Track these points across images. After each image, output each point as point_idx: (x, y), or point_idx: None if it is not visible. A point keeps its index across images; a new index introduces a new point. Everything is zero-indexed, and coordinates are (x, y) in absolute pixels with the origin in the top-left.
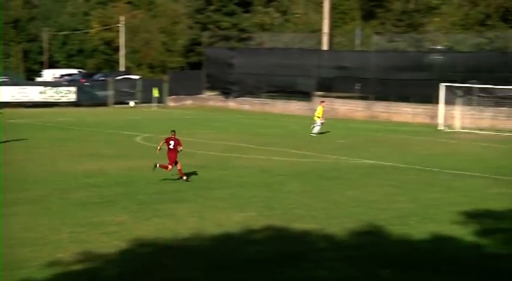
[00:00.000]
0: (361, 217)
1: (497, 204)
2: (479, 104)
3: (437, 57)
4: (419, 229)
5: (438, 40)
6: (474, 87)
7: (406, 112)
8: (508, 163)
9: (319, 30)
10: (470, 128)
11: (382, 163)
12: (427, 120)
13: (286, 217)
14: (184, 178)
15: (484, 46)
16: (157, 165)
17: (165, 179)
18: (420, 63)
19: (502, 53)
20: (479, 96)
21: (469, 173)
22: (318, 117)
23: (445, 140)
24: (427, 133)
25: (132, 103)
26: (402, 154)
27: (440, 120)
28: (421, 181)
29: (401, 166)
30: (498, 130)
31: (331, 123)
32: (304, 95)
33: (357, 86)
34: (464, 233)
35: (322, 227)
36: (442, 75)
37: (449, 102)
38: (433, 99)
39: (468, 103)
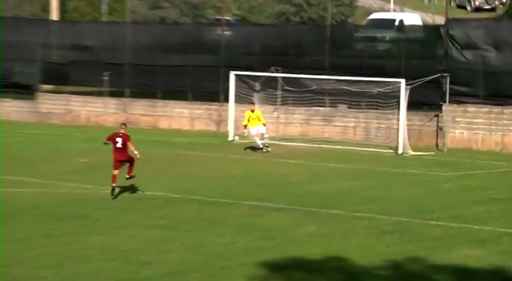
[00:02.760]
0: (114, 276)
1: (310, 249)
2: (285, 102)
3: (225, 32)
4: None
5: (225, 7)
6: (278, 76)
7: (181, 115)
8: (322, 189)
9: None
10: (274, 138)
11: (146, 192)
12: (212, 128)
13: None
14: (128, 176)
15: (292, 16)
16: (113, 188)
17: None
18: (200, 41)
19: (317, 27)
20: (285, 90)
21: (271, 205)
22: (263, 124)
23: (238, 157)
24: (211, 146)
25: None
26: (176, 179)
27: (231, 126)
28: (204, 218)
29: (174, 196)
30: (311, 140)
31: (68, 132)
32: (24, 90)
33: (106, 76)
34: None
35: None
36: (232, 60)
37: (243, 99)
38: (220, 96)
39: (270, 101)
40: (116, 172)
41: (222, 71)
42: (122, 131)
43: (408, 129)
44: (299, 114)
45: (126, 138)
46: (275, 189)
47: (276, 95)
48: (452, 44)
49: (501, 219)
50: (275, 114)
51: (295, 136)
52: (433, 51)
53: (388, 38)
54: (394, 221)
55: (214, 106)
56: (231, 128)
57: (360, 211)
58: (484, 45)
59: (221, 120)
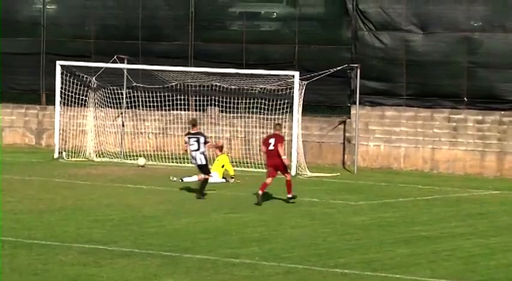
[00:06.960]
0: None
1: None
2: (134, 105)
3: (48, 6)
4: None
5: None
6: (123, 68)
7: None
8: (186, 225)
9: None
10: (118, 155)
11: None
12: (30, 140)
13: None
14: (289, 195)
15: None
16: (260, 193)
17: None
18: (11, 18)
19: None
20: (134, 88)
21: (114, 249)
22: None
23: (68, 182)
24: (29, 167)
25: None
26: None
27: (57, 138)
28: (19, 268)
29: None
30: (169, 157)
31: None
32: None
33: None
34: None
35: None
36: (57, 45)
37: (74, 101)
38: (41, 96)
39: (112, 103)
40: (269, 180)
41: (43, 60)
42: (276, 132)
43: (304, 142)
44: (153, 121)
45: (278, 139)
46: (120, 226)
47: (120, 94)
48: (364, 24)
49: (431, 265)
50: (119, 121)
51: (147, 151)
52: (337, 34)
53: (275, 14)
54: (286, 269)
55: (32, 110)
56: (57, 141)
57: (238, 256)
58: (406, 25)
59: (43, 130)
